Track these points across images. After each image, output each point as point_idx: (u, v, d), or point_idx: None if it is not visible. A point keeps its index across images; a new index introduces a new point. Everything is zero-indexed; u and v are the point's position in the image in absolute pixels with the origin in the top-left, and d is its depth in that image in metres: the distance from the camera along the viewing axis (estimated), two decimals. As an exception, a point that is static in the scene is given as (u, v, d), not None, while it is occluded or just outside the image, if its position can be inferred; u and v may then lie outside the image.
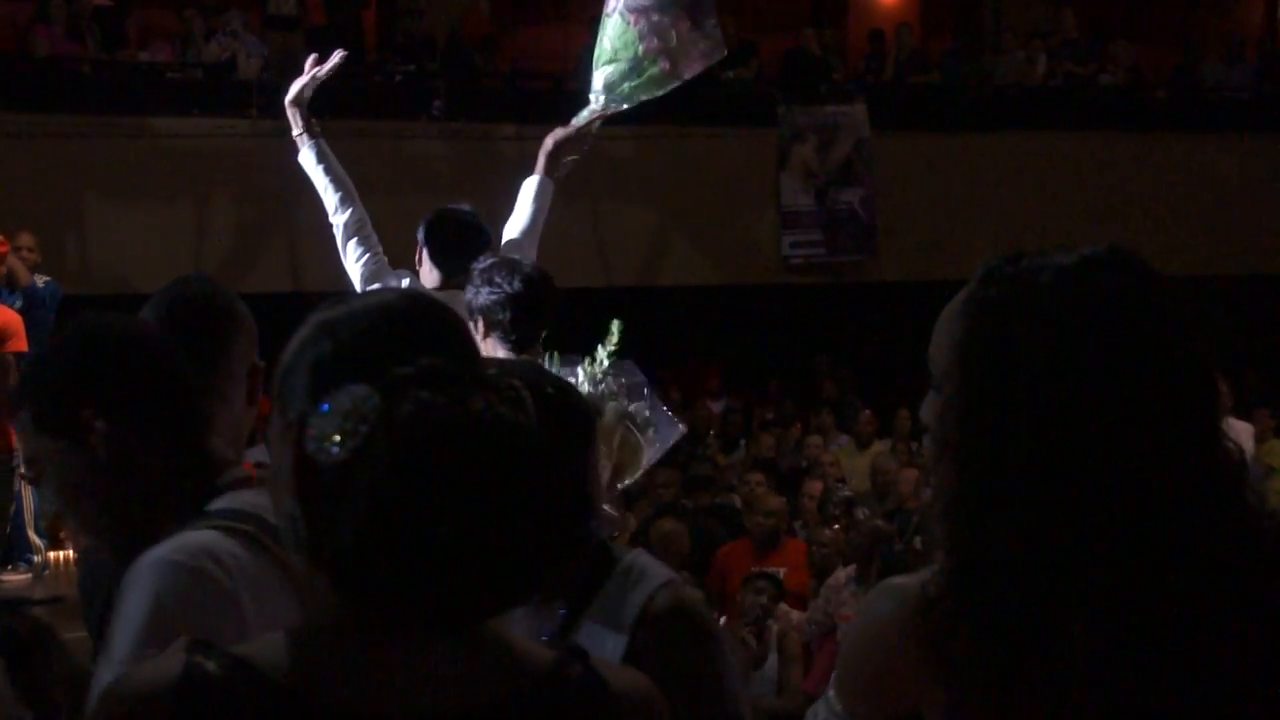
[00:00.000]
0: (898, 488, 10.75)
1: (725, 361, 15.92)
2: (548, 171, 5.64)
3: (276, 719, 1.50)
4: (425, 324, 1.68)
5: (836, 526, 9.00)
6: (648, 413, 5.02)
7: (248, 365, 2.73)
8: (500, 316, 4.54)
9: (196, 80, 13.59)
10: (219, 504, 2.25)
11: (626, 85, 5.67)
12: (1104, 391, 1.68)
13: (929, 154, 15.50)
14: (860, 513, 9.78)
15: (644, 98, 5.73)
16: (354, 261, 5.54)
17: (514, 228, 5.63)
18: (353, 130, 13.81)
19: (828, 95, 15.51)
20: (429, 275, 5.41)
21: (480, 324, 4.57)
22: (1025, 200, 15.64)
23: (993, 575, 1.68)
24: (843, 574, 8.16)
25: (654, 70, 5.63)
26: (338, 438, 1.54)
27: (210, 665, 1.53)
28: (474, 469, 1.51)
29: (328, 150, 5.63)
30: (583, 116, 5.68)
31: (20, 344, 8.00)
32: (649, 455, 5.03)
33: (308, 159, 5.59)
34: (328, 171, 5.58)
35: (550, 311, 4.72)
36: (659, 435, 4.99)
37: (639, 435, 4.98)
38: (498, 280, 4.54)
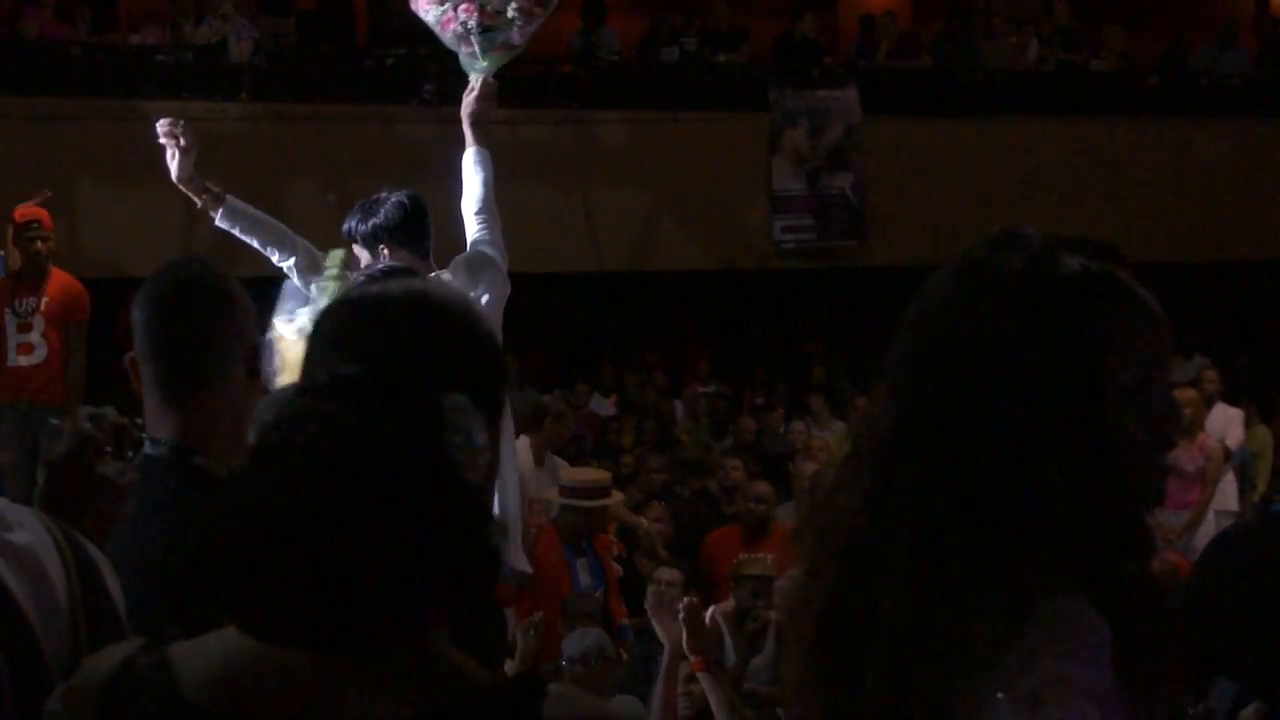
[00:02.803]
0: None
1: (715, 346, 15.94)
2: (478, 142, 5.67)
3: None
4: (404, 326, 1.68)
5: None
6: None
7: (246, 345, 2.75)
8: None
9: (187, 63, 13.54)
10: None
11: (480, 65, 5.73)
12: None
13: (920, 139, 15.51)
14: None
15: (498, 65, 5.81)
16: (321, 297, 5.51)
17: (470, 201, 5.63)
18: (344, 114, 13.83)
19: (819, 80, 15.49)
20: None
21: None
22: (1016, 186, 15.64)
23: (828, 560, 1.75)
24: None
25: (492, 55, 5.73)
26: (252, 433, 1.56)
27: (143, 662, 1.53)
28: (313, 487, 1.49)
29: (240, 207, 5.56)
30: (473, 79, 5.72)
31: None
32: None
33: (225, 225, 5.53)
34: (248, 229, 5.51)
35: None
36: None
37: None
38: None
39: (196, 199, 5.53)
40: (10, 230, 8.83)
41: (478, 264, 5.45)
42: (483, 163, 5.62)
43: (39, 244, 8.80)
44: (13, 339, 8.75)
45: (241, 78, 13.26)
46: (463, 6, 5.61)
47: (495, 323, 5.47)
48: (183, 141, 5.47)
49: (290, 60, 13.91)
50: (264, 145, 13.29)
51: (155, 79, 13.22)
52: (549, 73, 14.81)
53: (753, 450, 11.67)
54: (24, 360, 8.73)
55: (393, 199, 5.21)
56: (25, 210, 8.83)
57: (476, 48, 5.68)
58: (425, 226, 5.23)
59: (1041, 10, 17.00)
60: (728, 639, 7.37)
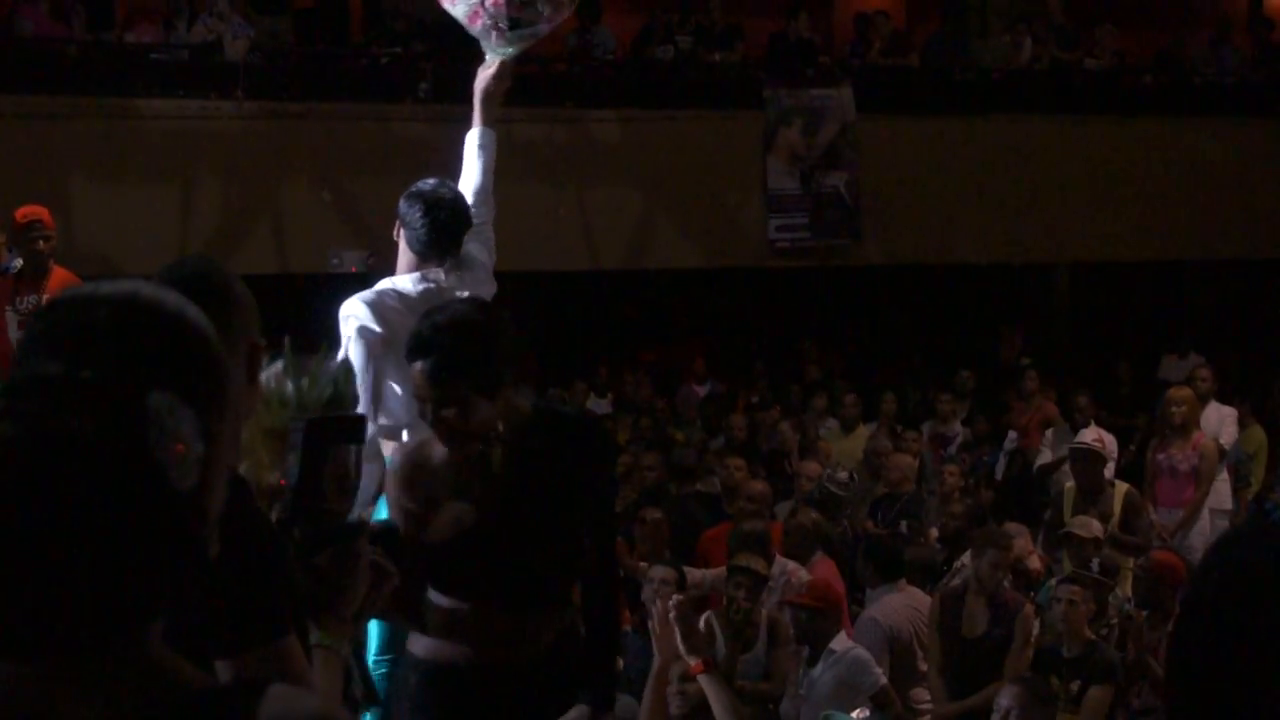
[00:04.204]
0: (888, 473, 10.76)
1: (710, 344, 15.95)
2: (485, 121, 5.63)
3: None
4: (109, 325, 1.66)
5: (815, 515, 8.98)
6: None
7: (247, 344, 2.74)
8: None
9: (182, 61, 13.55)
10: None
11: (504, 50, 5.67)
12: None
13: (914, 138, 15.52)
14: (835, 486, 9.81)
15: (522, 50, 5.75)
16: None
17: (467, 184, 5.58)
18: (339, 112, 13.83)
19: (814, 79, 15.51)
20: (402, 256, 5.31)
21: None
22: (1010, 185, 15.67)
23: None
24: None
25: (518, 44, 5.67)
26: None
27: None
28: (5, 489, 1.45)
29: None
30: (490, 59, 5.68)
31: None
32: None
33: None
34: None
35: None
36: None
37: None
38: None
39: None
40: (10, 230, 8.79)
41: (465, 266, 5.42)
42: (486, 145, 5.57)
43: (41, 243, 8.81)
44: (14, 336, 8.75)
45: (236, 76, 13.27)
46: (488, 3, 5.57)
47: None
48: None
49: (285, 58, 13.92)
50: (259, 143, 13.30)
51: (150, 77, 13.24)
52: (544, 71, 14.81)
53: (745, 448, 11.68)
54: None
55: (419, 204, 5.18)
56: (27, 210, 8.84)
57: (506, 39, 5.63)
58: (438, 235, 5.21)
59: (1035, 9, 17.00)
60: (719, 635, 7.39)
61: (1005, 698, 6.43)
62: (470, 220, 5.26)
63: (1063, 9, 16.94)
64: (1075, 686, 7.18)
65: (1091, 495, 9.47)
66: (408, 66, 13.91)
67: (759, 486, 9.30)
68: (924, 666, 7.75)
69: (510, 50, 5.62)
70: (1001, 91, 16.11)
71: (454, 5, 5.56)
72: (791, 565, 8.17)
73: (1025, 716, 6.28)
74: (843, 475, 9.95)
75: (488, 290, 5.36)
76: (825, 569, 8.32)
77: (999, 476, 12.41)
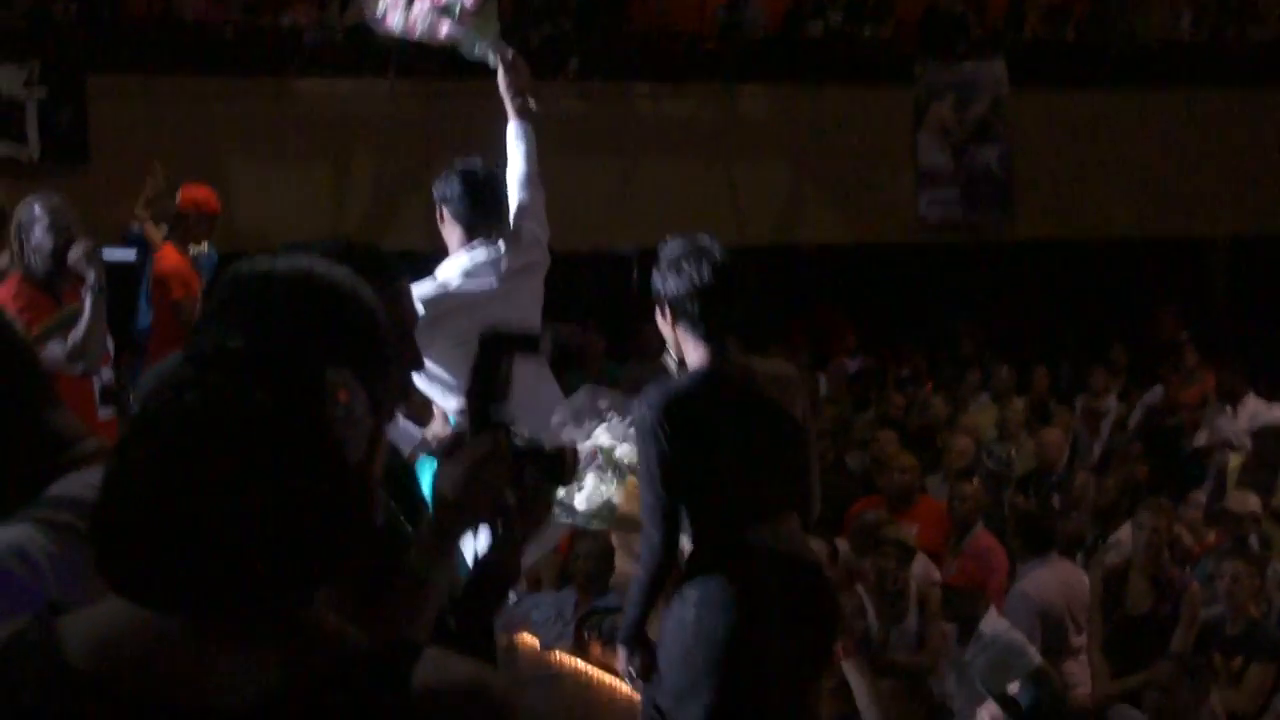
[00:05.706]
0: (1045, 452, 10.59)
1: (860, 320, 15.85)
2: (520, 115, 5.70)
3: (65, 701, 1.51)
4: (286, 302, 1.73)
5: (975, 481, 8.92)
6: None
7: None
8: (689, 307, 4.47)
9: (336, 43, 13.74)
10: (57, 488, 2.02)
11: (477, 41, 5.69)
12: None
13: (1067, 112, 15.29)
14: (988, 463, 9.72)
15: (493, 26, 5.76)
16: None
17: (514, 177, 5.67)
18: (489, 90, 13.90)
19: (966, 52, 15.33)
20: (451, 234, 5.42)
21: (668, 312, 4.53)
22: (1165, 159, 15.38)
23: None
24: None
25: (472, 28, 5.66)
26: (136, 403, 1.58)
27: (32, 633, 1.55)
28: (190, 455, 1.51)
29: None
30: (491, 60, 5.71)
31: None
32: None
33: None
34: None
35: (741, 300, 4.56)
36: None
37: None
38: (685, 269, 4.47)
39: None
40: (187, 214, 8.80)
41: (519, 236, 5.49)
42: (526, 138, 5.69)
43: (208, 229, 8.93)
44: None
45: (389, 57, 13.41)
46: (415, 5, 5.62)
47: (535, 296, 5.50)
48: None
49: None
50: (410, 122, 13.45)
51: (305, 59, 13.44)
52: (694, 48, 14.79)
53: (897, 423, 11.60)
54: None
55: (454, 177, 5.32)
56: (214, 200, 8.87)
57: (455, 30, 5.68)
58: (479, 203, 5.29)
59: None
60: (870, 609, 7.36)
61: (1159, 674, 6.37)
62: (502, 184, 5.42)
63: (1223, -22, 16.56)
64: (1237, 663, 7.06)
65: (1272, 473, 9.31)
66: (557, 44, 13.96)
67: (909, 459, 9.25)
68: (1075, 640, 7.66)
69: (478, 36, 5.63)
70: (1158, 63, 15.80)
71: (394, 24, 5.60)
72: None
73: (1175, 695, 6.22)
74: (1001, 452, 9.86)
75: (541, 259, 5.47)
76: (987, 539, 8.34)
77: (1131, 425, 12.27)
